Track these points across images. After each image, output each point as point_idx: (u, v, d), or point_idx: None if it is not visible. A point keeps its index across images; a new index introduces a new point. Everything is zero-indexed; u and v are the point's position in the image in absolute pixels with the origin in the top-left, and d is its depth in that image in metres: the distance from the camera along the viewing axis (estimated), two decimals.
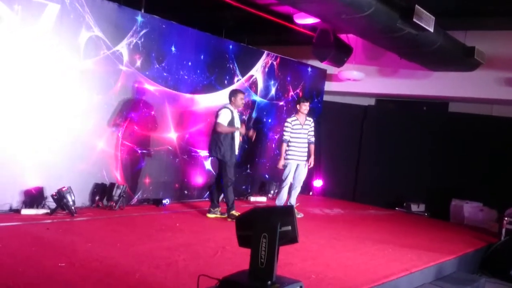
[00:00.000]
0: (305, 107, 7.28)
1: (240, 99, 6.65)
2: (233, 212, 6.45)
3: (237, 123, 6.62)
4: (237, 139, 6.65)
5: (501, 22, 7.98)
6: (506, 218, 7.14)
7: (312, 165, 7.56)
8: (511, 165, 8.52)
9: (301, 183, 7.47)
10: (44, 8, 5.67)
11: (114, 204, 6.27)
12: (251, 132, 6.87)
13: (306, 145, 7.33)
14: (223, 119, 6.47)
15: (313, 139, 7.42)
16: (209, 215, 6.66)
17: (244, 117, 6.81)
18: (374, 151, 9.94)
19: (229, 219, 6.38)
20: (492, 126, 8.81)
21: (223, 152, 6.47)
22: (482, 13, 7.70)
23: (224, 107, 6.65)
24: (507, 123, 8.66)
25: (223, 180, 6.57)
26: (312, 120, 7.48)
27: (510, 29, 8.21)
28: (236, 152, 6.65)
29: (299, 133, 7.26)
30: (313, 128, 7.44)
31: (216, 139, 6.51)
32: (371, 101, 10.68)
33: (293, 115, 7.45)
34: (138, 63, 6.73)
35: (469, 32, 8.37)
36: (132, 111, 6.74)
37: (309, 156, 7.40)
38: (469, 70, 8.65)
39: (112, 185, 6.37)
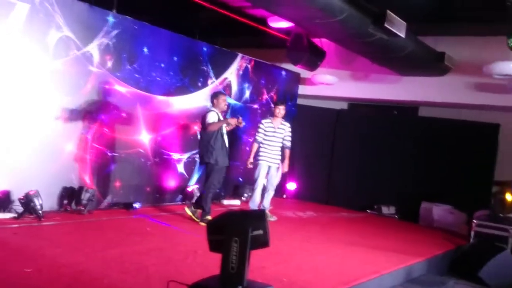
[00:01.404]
0: (278, 110, 7.29)
1: (222, 101, 6.61)
2: (208, 217, 6.39)
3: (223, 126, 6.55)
4: (227, 140, 6.59)
5: (470, 28, 8.17)
6: (475, 221, 7.27)
7: (286, 170, 7.56)
8: (481, 169, 8.70)
9: (274, 186, 7.47)
10: (13, 8, 5.54)
11: (83, 208, 6.14)
12: (237, 121, 6.65)
13: (279, 148, 7.33)
14: (212, 120, 6.40)
15: (288, 144, 7.42)
16: (187, 210, 6.61)
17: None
18: (346, 155, 10.02)
19: (202, 224, 6.31)
20: (461, 130, 8.97)
21: (215, 156, 6.40)
22: (452, 19, 7.87)
23: (210, 110, 6.61)
24: (476, 127, 8.84)
25: (206, 183, 6.51)
26: (289, 125, 7.47)
27: (479, 35, 8.40)
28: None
29: (272, 136, 7.26)
30: (289, 133, 7.42)
31: (207, 144, 6.42)
32: (344, 105, 10.78)
33: (268, 118, 7.47)
34: (109, 64, 6.62)
35: (440, 38, 8.54)
36: (103, 112, 6.63)
37: (282, 160, 7.40)
38: (439, 75, 8.82)
39: (81, 188, 6.23)
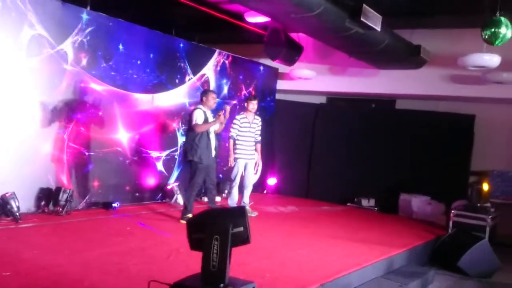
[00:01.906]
0: (252, 105, 7.24)
1: (212, 99, 6.55)
2: (189, 215, 6.34)
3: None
4: (213, 140, 6.54)
5: (445, 20, 8.25)
6: (453, 211, 7.38)
7: (259, 165, 7.56)
8: (458, 160, 8.84)
9: (252, 182, 7.46)
10: None
11: (60, 209, 6.04)
12: (226, 111, 6.61)
13: (254, 143, 7.33)
14: (198, 119, 6.35)
15: (259, 138, 7.42)
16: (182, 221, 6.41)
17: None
18: (326, 149, 10.06)
19: (183, 222, 6.27)
20: (437, 122, 9.08)
21: (199, 154, 6.34)
22: (428, 12, 7.93)
23: (196, 107, 6.54)
24: (452, 118, 8.96)
25: (190, 182, 6.47)
26: (260, 119, 7.46)
27: (454, 27, 8.50)
28: (213, 153, 6.54)
29: (247, 131, 7.23)
30: (260, 127, 7.41)
31: (191, 142, 6.37)
32: (323, 99, 10.82)
33: (242, 113, 7.40)
34: (84, 62, 6.51)
35: (416, 31, 8.60)
36: (79, 111, 6.52)
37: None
38: (415, 68, 8.90)
39: (58, 189, 6.13)
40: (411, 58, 8.48)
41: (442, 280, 6.02)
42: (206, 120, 6.42)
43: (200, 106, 6.52)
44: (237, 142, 7.21)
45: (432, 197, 8.79)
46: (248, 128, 7.23)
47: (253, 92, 9.61)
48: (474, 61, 7.45)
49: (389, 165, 9.37)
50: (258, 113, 7.50)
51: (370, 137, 9.62)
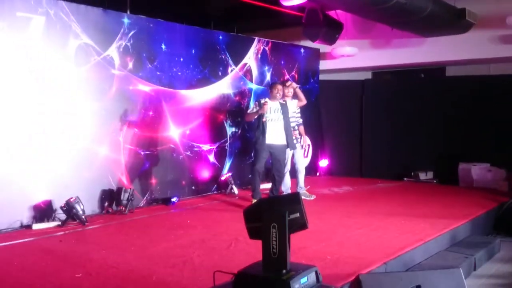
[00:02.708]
0: (288, 90, 7.12)
1: (274, 89, 6.67)
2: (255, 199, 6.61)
3: (274, 113, 6.58)
4: (275, 127, 6.57)
5: None
6: None
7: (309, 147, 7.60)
8: None
9: (304, 166, 7.47)
10: (30, 22, 5.65)
11: (123, 208, 6.29)
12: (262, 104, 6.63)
13: (297, 128, 7.34)
14: (249, 109, 6.97)
15: (300, 120, 7.51)
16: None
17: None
18: (376, 125, 9.91)
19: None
20: (492, 86, 8.76)
21: (256, 138, 6.63)
22: None
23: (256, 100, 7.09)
24: (506, 80, 8.60)
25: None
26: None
27: None
28: (275, 140, 6.59)
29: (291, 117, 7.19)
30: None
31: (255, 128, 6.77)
32: (368, 75, 10.62)
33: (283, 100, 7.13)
34: (130, 65, 6.70)
35: None
36: (130, 113, 6.74)
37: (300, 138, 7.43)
38: (463, 32, 8.57)
39: (120, 189, 6.39)
40: (456, 22, 8.17)
41: (509, 248, 5.84)
42: (257, 111, 6.59)
43: (267, 98, 6.71)
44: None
45: (492, 163, 8.51)
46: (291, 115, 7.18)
47: (296, 76, 9.54)
48: None
49: (444, 135, 9.14)
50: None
51: (422, 108, 9.39)
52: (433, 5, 7.44)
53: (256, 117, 6.66)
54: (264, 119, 6.56)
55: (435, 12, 7.59)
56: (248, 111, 7.00)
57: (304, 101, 7.39)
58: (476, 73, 9.05)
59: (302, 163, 7.48)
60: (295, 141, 7.16)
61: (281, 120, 6.63)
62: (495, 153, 8.50)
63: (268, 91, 7.20)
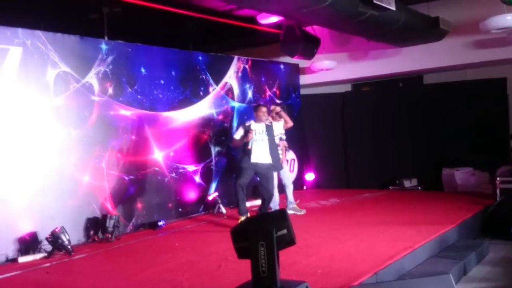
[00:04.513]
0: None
1: (259, 112, 6.69)
2: (243, 217, 6.61)
3: (259, 135, 6.60)
4: (260, 148, 6.58)
5: None
6: (498, 178, 7.22)
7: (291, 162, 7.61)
8: (495, 125, 8.63)
9: (290, 180, 7.48)
10: (6, 53, 5.61)
11: (110, 236, 6.21)
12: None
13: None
14: (236, 134, 6.79)
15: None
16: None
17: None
18: (358, 136, 10.00)
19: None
20: (469, 90, 8.90)
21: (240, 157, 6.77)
22: None
23: (243, 122, 6.90)
24: (484, 84, 8.76)
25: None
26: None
27: None
28: (260, 160, 6.60)
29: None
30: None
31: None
32: (348, 87, 10.73)
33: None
34: (110, 90, 6.68)
35: (431, 3, 8.47)
36: (112, 139, 6.69)
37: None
38: (437, 40, 8.75)
39: (105, 216, 6.30)
40: (431, 31, 8.34)
41: (497, 250, 5.90)
42: (245, 134, 6.60)
43: (252, 121, 6.72)
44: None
45: (474, 167, 8.61)
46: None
47: (278, 92, 9.59)
48: (496, 23, 7.24)
49: (426, 142, 9.24)
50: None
51: (402, 117, 9.51)
52: (406, 16, 7.59)
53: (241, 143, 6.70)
54: (249, 147, 6.60)
55: (409, 22, 7.74)
56: (234, 136, 6.90)
57: (290, 123, 7.33)
58: (453, 79, 9.21)
59: (289, 177, 7.50)
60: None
61: (266, 141, 6.64)
62: (477, 156, 8.61)
63: (251, 109, 7.23)
